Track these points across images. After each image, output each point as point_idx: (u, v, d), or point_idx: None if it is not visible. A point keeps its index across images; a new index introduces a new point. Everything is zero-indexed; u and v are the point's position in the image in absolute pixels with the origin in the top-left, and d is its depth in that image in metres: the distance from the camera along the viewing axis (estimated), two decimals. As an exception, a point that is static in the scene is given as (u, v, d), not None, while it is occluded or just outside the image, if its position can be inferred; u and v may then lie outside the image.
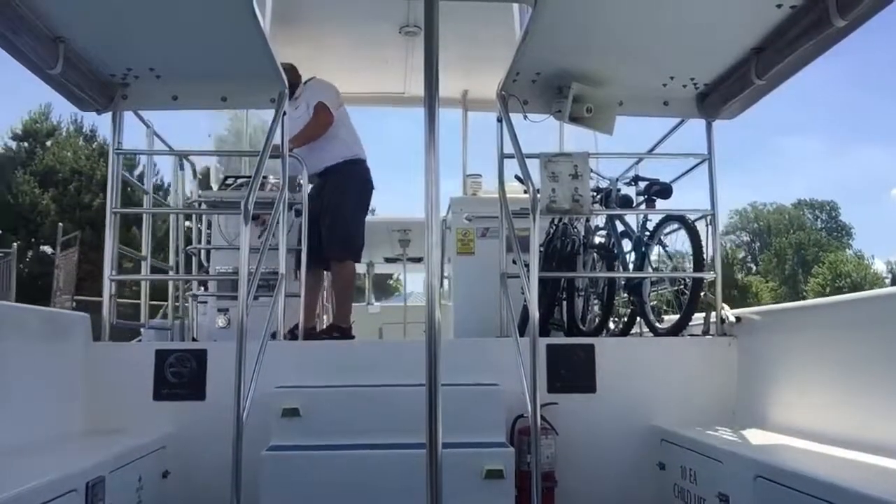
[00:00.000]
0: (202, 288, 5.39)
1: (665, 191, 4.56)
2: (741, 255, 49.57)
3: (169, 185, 5.31)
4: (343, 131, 4.83)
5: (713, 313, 4.04)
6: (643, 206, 4.64)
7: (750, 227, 50.46)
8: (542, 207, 3.68)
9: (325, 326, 5.18)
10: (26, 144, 24.07)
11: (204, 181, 5.81)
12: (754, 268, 48.62)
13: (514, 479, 3.09)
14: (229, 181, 5.52)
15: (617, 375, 3.74)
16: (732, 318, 3.95)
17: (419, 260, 9.07)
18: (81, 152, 23.87)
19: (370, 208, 5.18)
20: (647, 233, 4.53)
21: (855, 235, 48.58)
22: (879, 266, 45.41)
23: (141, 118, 4.42)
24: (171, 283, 5.12)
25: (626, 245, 4.74)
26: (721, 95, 4.07)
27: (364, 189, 4.90)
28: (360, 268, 10.76)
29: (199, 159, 5.57)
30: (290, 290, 4.22)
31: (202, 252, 5.49)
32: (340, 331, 4.75)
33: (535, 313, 3.06)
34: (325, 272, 5.11)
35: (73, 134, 24.96)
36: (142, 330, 4.96)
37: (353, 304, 5.17)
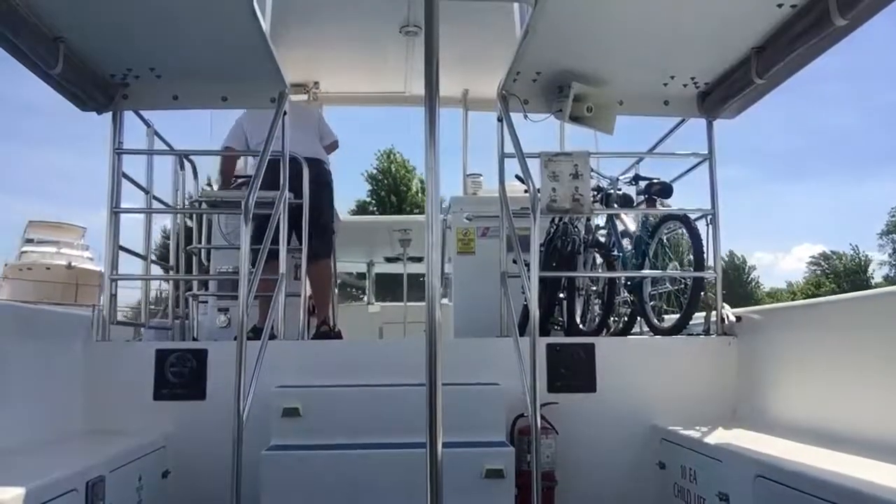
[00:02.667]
0: (202, 288, 5.39)
1: (665, 190, 4.55)
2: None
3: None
4: None
5: (713, 313, 4.04)
6: (643, 206, 4.64)
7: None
8: (542, 207, 3.67)
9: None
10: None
11: None
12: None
13: (514, 478, 3.09)
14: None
15: (617, 375, 3.74)
16: (733, 318, 3.95)
17: (420, 260, 9.08)
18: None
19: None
20: (648, 232, 4.53)
21: None
22: None
23: (141, 118, 4.41)
24: (171, 283, 5.12)
25: (627, 245, 4.74)
26: (721, 95, 4.06)
27: None
28: (360, 267, 10.77)
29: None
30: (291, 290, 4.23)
31: (202, 252, 5.49)
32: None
33: (535, 313, 3.06)
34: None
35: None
36: (142, 330, 4.96)
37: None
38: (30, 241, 31.27)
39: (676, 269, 4.34)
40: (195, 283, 5.32)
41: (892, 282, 43.26)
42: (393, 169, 31.26)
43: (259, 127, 4.70)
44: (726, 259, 45.64)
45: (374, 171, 32.15)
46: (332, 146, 5.33)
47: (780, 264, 72.18)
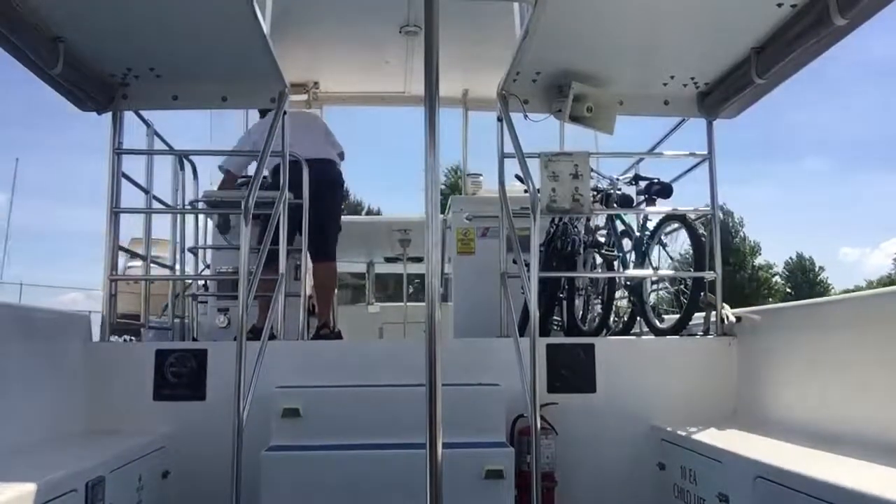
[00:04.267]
0: (202, 288, 5.39)
1: (665, 190, 4.56)
2: None
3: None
4: None
5: (713, 313, 4.04)
6: (643, 206, 4.64)
7: None
8: (542, 207, 3.67)
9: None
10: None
11: None
12: None
13: (514, 479, 3.09)
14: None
15: (617, 375, 3.74)
16: (733, 318, 3.95)
17: (419, 260, 9.07)
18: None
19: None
20: (648, 232, 4.53)
21: None
22: None
23: (141, 118, 4.41)
24: (171, 283, 5.12)
25: (627, 245, 4.74)
26: (721, 95, 4.07)
27: None
28: (360, 267, 10.78)
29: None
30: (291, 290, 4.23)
31: (202, 252, 5.49)
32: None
33: (535, 313, 3.06)
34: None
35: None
36: (141, 330, 4.96)
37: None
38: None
39: (676, 270, 4.34)
40: (195, 284, 5.32)
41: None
42: (460, 184, 31.51)
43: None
44: (793, 260, 45.15)
45: (443, 187, 32.41)
46: (340, 156, 5.35)
47: (867, 260, 64.19)
